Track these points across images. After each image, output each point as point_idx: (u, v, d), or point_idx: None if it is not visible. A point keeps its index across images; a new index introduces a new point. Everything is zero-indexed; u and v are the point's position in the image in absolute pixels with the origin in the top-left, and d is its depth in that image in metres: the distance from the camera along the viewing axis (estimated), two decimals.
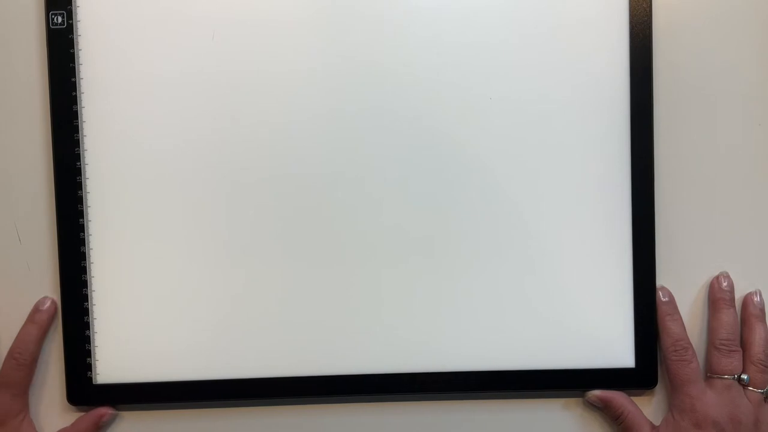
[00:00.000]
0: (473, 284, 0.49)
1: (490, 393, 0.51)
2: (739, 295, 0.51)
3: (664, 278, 0.50)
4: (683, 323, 0.49)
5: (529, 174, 0.49)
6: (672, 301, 0.50)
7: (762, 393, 0.48)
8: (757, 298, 0.50)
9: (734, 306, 0.50)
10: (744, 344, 0.49)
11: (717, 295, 0.50)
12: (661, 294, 0.50)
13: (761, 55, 0.51)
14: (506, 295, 0.49)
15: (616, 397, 0.49)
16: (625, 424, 0.49)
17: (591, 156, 0.49)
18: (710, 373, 0.49)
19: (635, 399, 0.50)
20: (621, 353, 0.50)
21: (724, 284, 0.50)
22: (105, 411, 0.50)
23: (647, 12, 0.49)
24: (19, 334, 0.49)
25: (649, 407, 0.51)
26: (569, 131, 0.49)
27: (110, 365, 0.50)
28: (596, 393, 0.50)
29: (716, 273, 0.51)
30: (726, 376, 0.48)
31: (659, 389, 0.50)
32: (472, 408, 0.51)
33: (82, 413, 0.50)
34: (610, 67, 0.49)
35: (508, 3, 0.49)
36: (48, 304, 0.50)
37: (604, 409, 0.50)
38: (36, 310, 0.50)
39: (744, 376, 0.48)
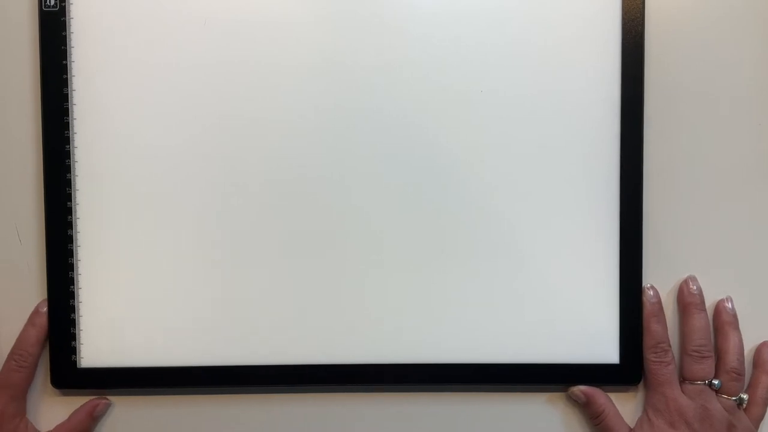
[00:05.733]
0: (462, 280, 0.50)
1: (475, 386, 0.51)
2: (736, 298, 0.51)
3: (650, 277, 0.50)
4: (666, 325, 0.50)
5: (519, 173, 0.49)
6: (659, 303, 0.50)
7: (734, 400, 0.48)
8: (729, 305, 0.50)
9: (705, 309, 0.50)
10: (718, 351, 0.49)
11: (687, 300, 0.50)
12: (650, 294, 0.50)
13: (754, 55, 0.51)
14: (495, 291, 0.50)
15: (599, 394, 0.50)
16: (604, 424, 0.49)
17: (580, 155, 0.49)
18: (683, 378, 0.49)
19: (619, 395, 0.50)
20: (606, 349, 0.50)
21: (693, 288, 0.50)
22: (98, 401, 0.50)
23: (640, 11, 0.49)
24: (19, 336, 0.49)
25: (632, 403, 0.51)
26: (559, 131, 0.49)
27: (95, 349, 0.49)
28: (581, 388, 0.50)
29: (705, 273, 0.51)
30: (698, 382, 0.48)
31: (642, 387, 0.51)
32: (458, 400, 0.51)
33: (68, 398, 0.50)
34: (602, 67, 0.49)
35: (500, 3, 0.49)
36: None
37: (585, 406, 0.50)
38: (36, 312, 0.50)
39: (715, 382, 0.48)
